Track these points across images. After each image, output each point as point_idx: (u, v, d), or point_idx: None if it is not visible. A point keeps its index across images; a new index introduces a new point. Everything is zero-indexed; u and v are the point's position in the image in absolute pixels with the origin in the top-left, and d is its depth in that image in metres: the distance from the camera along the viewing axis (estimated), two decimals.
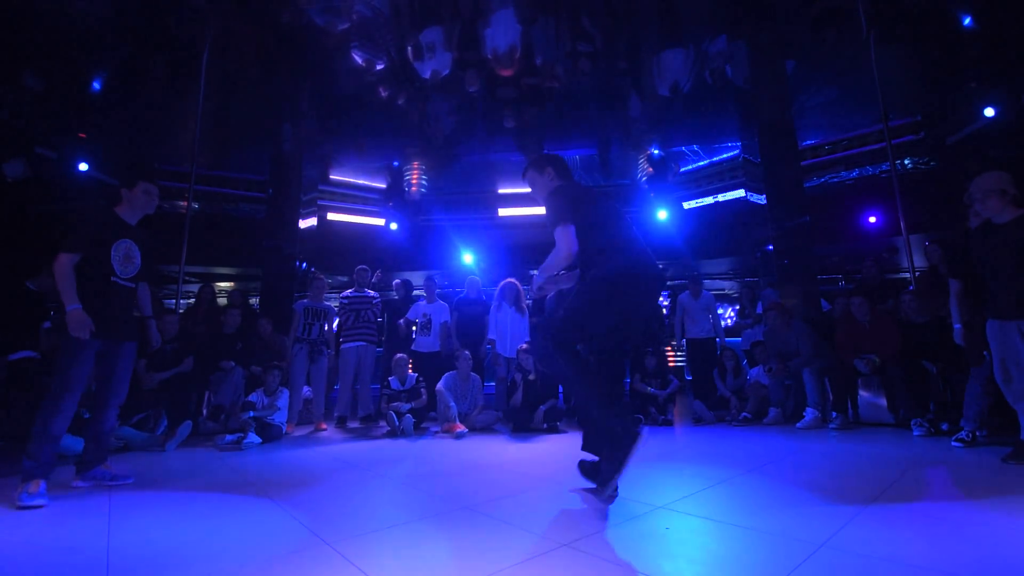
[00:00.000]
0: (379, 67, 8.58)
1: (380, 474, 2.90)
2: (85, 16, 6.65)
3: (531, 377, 4.80)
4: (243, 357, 5.01)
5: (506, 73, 8.38)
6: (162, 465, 3.30)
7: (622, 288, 2.23)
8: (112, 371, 2.74)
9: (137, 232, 2.86)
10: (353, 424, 5.18)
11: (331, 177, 13.88)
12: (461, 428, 4.43)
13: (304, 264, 8.76)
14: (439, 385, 4.81)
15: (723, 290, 14.40)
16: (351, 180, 14.34)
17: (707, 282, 14.94)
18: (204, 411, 4.86)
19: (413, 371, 5.19)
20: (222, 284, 13.73)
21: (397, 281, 6.21)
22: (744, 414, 4.81)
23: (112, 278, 2.69)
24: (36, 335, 4.35)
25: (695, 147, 13.20)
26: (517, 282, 5.60)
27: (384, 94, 8.95)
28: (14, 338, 4.04)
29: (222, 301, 7.45)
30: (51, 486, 2.45)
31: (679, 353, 9.40)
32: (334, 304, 5.85)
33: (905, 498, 2.15)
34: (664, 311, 6.60)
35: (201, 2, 6.90)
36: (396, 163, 13.95)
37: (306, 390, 5.31)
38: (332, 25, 7.57)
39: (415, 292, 6.33)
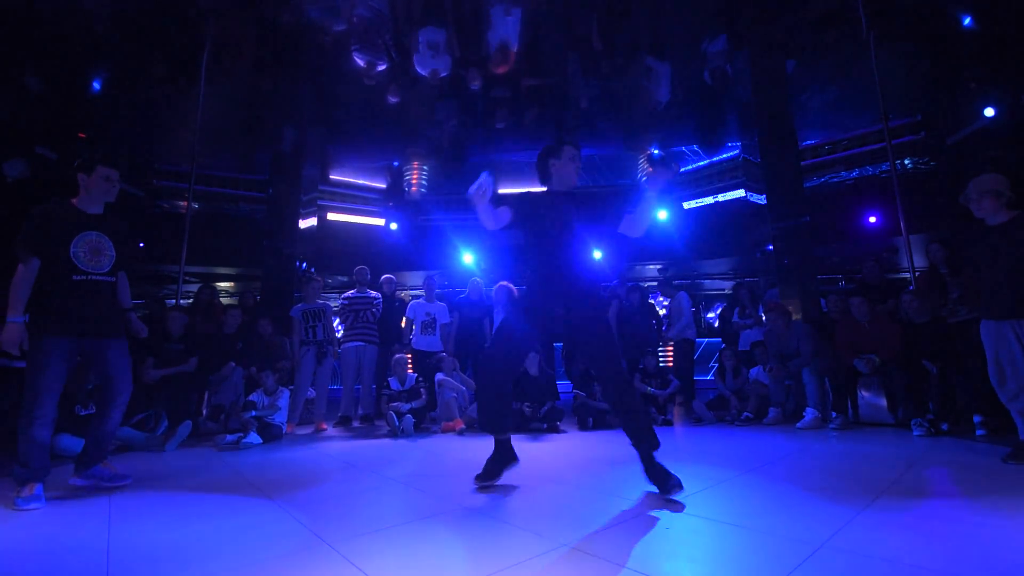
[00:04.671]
0: (380, 68, 8.58)
1: (380, 474, 2.90)
2: (85, 16, 6.65)
3: (534, 373, 4.81)
4: (243, 357, 5.01)
5: (502, 70, 8.38)
6: (162, 465, 3.30)
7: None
8: (107, 371, 2.61)
9: (104, 222, 2.63)
10: (354, 424, 5.18)
11: (331, 177, 13.89)
12: (461, 424, 4.49)
13: (304, 264, 8.75)
14: (439, 376, 4.85)
15: (723, 290, 14.41)
16: (351, 180, 14.35)
17: (707, 282, 14.98)
18: (204, 411, 4.86)
19: (412, 369, 5.20)
20: (222, 284, 13.74)
21: (387, 277, 6.17)
22: (746, 414, 4.81)
23: (75, 276, 2.49)
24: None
25: (695, 147, 13.20)
26: (509, 284, 5.65)
27: (385, 94, 8.95)
28: None
29: (223, 301, 7.44)
30: (49, 486, 2.45)
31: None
32: (334, 304, 5.84)
33: (905, 498, 2.15)
34: (663, 311, 6.61)
35: (201, 2, 6.90)
36: (396, 163, 13.95)
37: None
38: (333, 25, 7.57)
39: (412, 291, 6.32)
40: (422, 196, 14.38)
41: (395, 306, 5.95)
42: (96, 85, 7.86)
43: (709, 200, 13.65)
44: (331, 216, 13.93)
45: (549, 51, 8.28)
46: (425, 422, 4.85)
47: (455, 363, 5.19)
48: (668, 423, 4.84)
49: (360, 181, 14.41)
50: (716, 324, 14.11)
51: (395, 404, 4.58)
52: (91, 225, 2.58)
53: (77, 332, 2.49)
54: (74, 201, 2.60)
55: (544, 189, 2.73)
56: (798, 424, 4.40)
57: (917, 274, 5.63)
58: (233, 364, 4.87)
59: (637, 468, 2.49)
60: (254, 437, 3.96)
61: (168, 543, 1.82)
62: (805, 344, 4.76)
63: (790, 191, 7.56)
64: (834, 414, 4.39)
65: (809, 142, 12.13)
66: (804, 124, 10.48)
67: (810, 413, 4.42)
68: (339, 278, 12.93)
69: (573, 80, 8.82)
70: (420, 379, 4.93)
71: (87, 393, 3.75)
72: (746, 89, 8.41)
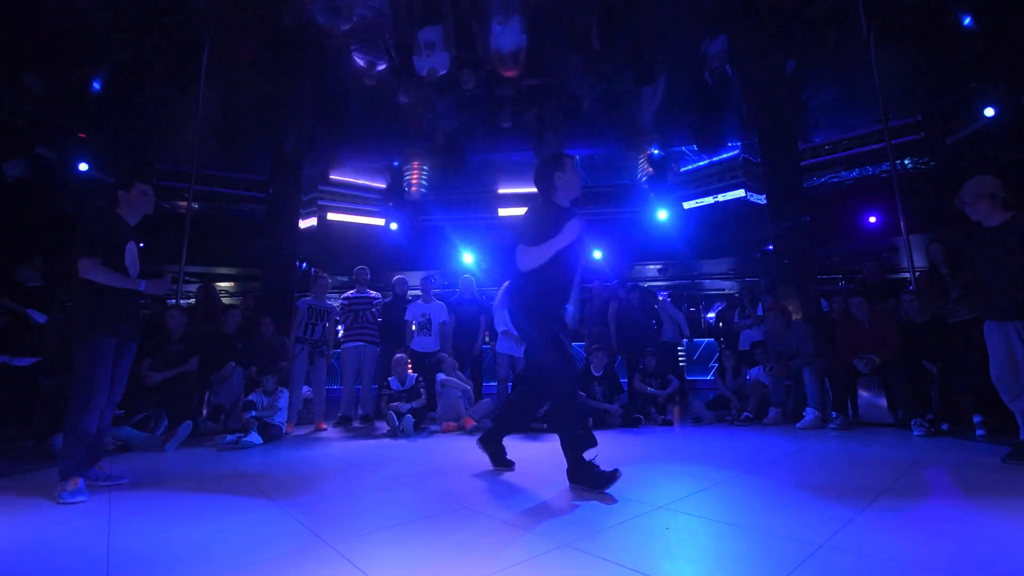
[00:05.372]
0: (380, 67, 8.58)
1: (380, 474, 2.90)
2: (85, 16, 6.64)
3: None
4: (243, 357, 5.01)
5: (509, 74, 8.39)
6: (162, 465, 3.30)
7: None
8: (120, 371, 2.76)
9: (136, 234, 2.89)
10: (354, 424, 5.18)
11: (331, 177, 13.88)
12: (473, 423, 4.52)
13: (304, 264, 8.75)
14: (441, 376, 4.85)
15: (723, 290, 14.41)
16: (351, 180, 14.33)
17: (707, 282, 14.98)
18: (204, 411, 4.86)
19: (412, 371, 5.20)
20: (222, 284, 13.74)
21: (399, 277, 6.17)
22: (746, 414, 4.81)
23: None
24: (34, 335, 4.34)
25: (694, 147, 13.19)
26: None
27: (385, 94, 8.95)
28: (15, 339, 4.04)
29: (224, 301, 7.42)
30: (50, 487, 2.45)
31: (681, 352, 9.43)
32: (335, 304, 5.83)
33: (905, 498, 2.15)
34: (663, 312, 6.63)
35: (201, 2, 6.90)
36: (396, 163, 13.94)
37: (306, 389, 5.30)
38: (333, 25, 7.57)
39: (411, 292, 6.31)
40: (422, 196, 14.37)
41: (405, 307, 5.94)
42: (96, 85, 7.86)
43: (709, 200, 13.64)
44: (331, 216, 13.91)
45: (549, 51, 8.28)
46: (425, 422, 4.85)
47: (455, 364, 5.19)
48: (668, 423, 4.84)
49: (360, 181, 14.40)
50: (715, 324, 14.14)
51: (395, 404, 4.57)
52: (132, 235, 2.85)
53: (123, 333, 2.69)
54: (119, 211, 2.84)
55: (536, 197, 2.73)
56: (798, 424, 4.40)
57: (917, 274, 5.63)
58: (233, 364, 4.87)
59: (637, 468, 2.50)
60: (254, 437, 3.96)
61: (168, 543, 1.82)
62: (805, 344, 4.76)
63: (790, 191, 7.56)
64: (834, 414, 4.39)
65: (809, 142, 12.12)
66: (804, 124, 10.49)
67: (810, 413, 4.42)
68: (339, 278, 12.92)
69: (574, 80, 8.82)
70: (420, 379, 4.93)
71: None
72: (746, 89, 8.41)
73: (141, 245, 2.95)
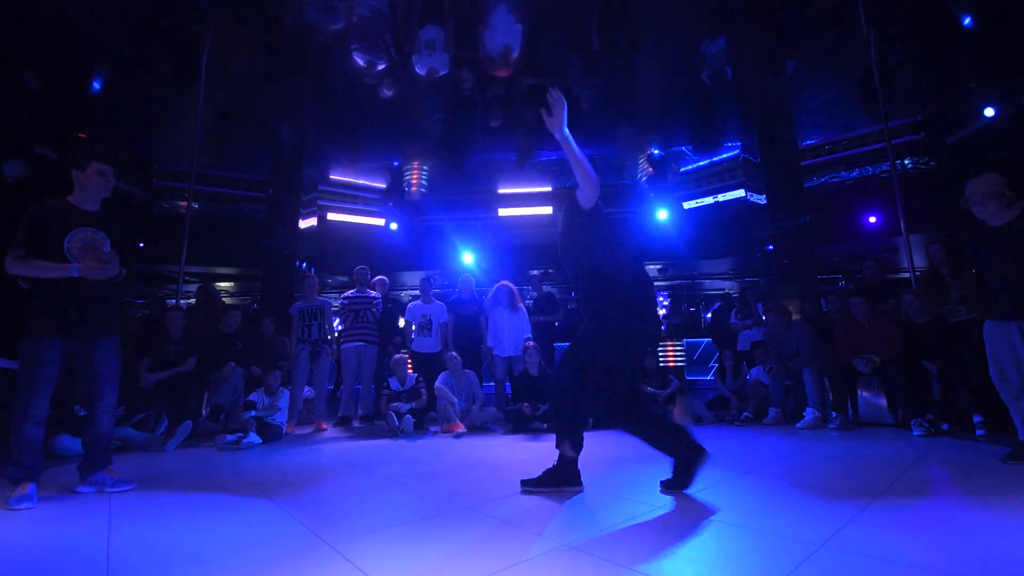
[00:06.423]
0: (380, 67, 8.58)
1: (380, 474, 2.90)
2: (86, 16, 6.65)
3: (534, 373, 4.82)
4: (243, 357, 5.01)
5: (503, 73, 8.39)
6: (162, 465, 3.30)
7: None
8: (93, 372, 2.56)
9: (100, 219, 2.59)
10: (354, 424, 5.18)
11: (331, 177, 13.88)
12: (461, 428, 4.45)
13: (304, 264, 8.75)
14: (438, 382, 4.82)
15: (723, 290, 14.42)
16: (351, 180, 14.33)
17: (707, 282, 14.98)
18: (204, 411, 4.86)
19: (413, 372, 5.18)
20: (222, 284, 13.74)
21: (380, 278, 6.11)
22: (746, 414, 4.81)
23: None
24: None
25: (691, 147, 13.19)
26: (510, 283, 5.62)
27: (384, 93, 8.95)
28: (15, 341, 4.04)
29: (224, 301, 7.41)
30: (50, 486, 2.45)
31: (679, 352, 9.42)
32: (334, 305, 5.82)
33: (905, 498, 2.15)
34: (665, 311, 6.63)
35: (202, 2, 6.91)
36: (396, 163, 13.94)
37: (307, 390, 5.30)
38: (332, 25, 7.58)
39: (409, 292, 6.31)
40: (422, 196, 14.38)
41: (387, 307, 5.92)
42: (96, 84, 7.86)
43: (709, 200, 13.64)
44: (331, 216, 13.92)
45: (549, 51, 8.28)
46: (425, 422, 4.85)
47: (458, 360, 5.12)
48: None
49: (360, 181, 14.39)
50: (710, 324, 14.12)
51: (395, 404, 4.57)
52: (86, 221, 2.54)
53: (69, 331, 2.47)
54: (69, 198, 2.56)
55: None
56: (798, 424, 4.40)
57: (917, 274, 5.63)
58: (233, 364, 4.87)
59: (636, 467, 2.49)
60: (254, 437, 3.96)
61: (168, 543, 1.82)
62: (805, 344, 4.76)
63: (790, 191, 7.57)
64: (834, 414, 4.39)
65: (809, 142, 12.12)
66: (804, 124, 10.49)
67: (810, 413, 4.42)
68: (339, 278, 12.93)
69: (573, 80, 8.83)
70: (420, 379, 4.93)
71: (85, 393, 3.75)
72: (746, 90, 8.42)
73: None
